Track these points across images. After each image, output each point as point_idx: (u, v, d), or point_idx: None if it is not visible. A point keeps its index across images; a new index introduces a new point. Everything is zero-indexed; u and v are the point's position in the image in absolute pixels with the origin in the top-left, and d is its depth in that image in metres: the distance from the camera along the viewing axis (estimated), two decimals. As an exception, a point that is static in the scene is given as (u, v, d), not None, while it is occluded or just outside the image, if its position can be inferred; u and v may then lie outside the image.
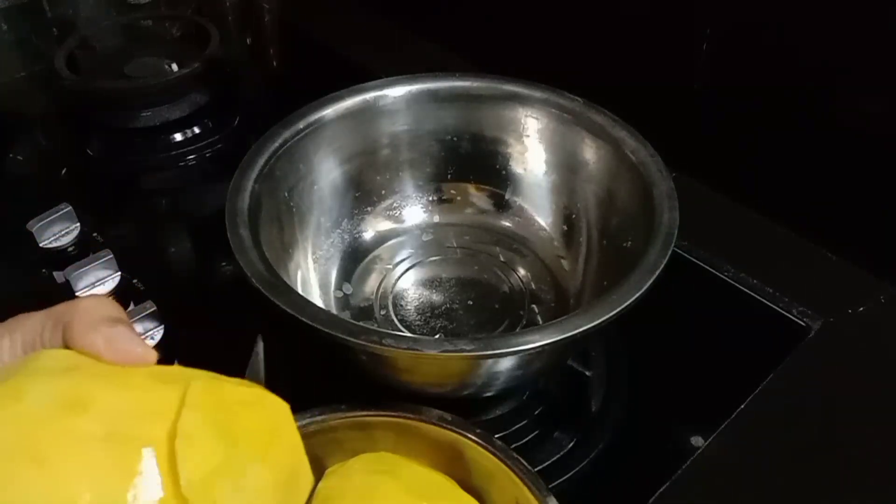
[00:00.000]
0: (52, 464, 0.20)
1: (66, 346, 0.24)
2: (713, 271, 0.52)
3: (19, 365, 0.23)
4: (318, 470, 0.35)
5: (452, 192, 0.55)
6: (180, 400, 0.22)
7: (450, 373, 0.40)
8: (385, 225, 0.54)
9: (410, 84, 0.51)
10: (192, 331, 0.48)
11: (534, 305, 0.50)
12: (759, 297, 0.50)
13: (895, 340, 0.48)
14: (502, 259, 0.53)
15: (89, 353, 0.24)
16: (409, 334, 0.46)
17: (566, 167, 0.51)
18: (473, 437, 0.34)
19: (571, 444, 0.43)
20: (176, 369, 0.25)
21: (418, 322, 0.49)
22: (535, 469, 0.34)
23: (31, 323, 0.25)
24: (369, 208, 0.54)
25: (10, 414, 0.21)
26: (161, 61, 0.69)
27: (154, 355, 0.25)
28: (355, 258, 0.52)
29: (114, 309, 0.26)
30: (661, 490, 0.40)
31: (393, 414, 0.36)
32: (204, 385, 0.23)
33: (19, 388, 0.21)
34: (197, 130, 0.67)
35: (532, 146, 0.52)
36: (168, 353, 0.46)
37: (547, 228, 0.53)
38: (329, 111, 0.49)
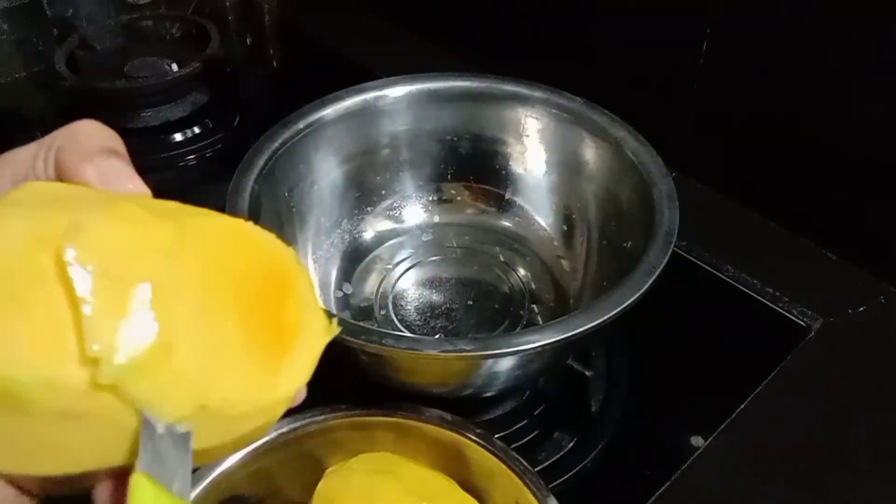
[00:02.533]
0: (30, 304, 0.18)
1: (58, 177, 0.22)
2: (713, 271, 0.52)
3: (0, 197, 0.20)
4: (318, 470, 0.36)
5: (452, 192, 0.55)
6: (172, 238, 0.20)
7: (450, 373, 0.40)
8: (385, 225, 0.54)
9: (410, 84, 0.51)
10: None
11: (534, 305, 0.50)
12: (759, 297, 0.50)
13: (895, 340, 0.48)
14: (502, 259, 0.53)
15: (80, 184, 0.21)
16: (409, 334, 0.46)
17: (566, 167, 0.51)
18: (473, 437, 0.34)
19: (571, 444, 0.43)
20: (172, 204, 0.22)
21: (418, 322, 0.49)
22: (535, 469, 0.34)
23: (23, 154, 0.23)
24: (369, 208, 0.54)
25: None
26: (161, 61, 0.69)
27: (148, 191, 0.23)
28: (355, 258, 0.52)
29: (111, 138, 0.23)
30: (661, 490, 0.40)
31: (393, 414, 0.36)
32: (201, 222, 0.22)
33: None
34: (197, 130, 0.67)
35: (532, 146, 0.52)
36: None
37: (547, 228, 0.53)
38: (329, 111, 0.49)
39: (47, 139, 0.22)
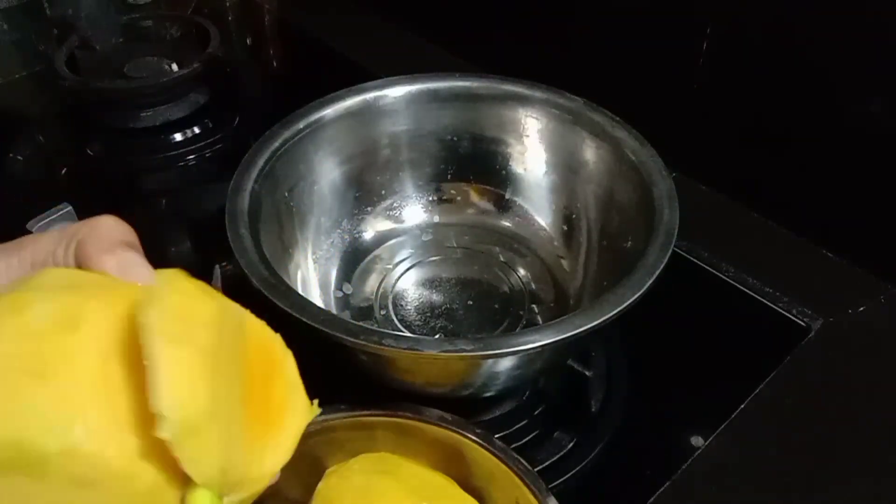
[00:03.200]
0: (54, 378, 0.19)
1: (79, 266, 0.24)
2: (713, 271, 0.52)
3: (24, 279, 0.23)
4: (318, 470, 0.36)
5: (452, 192, 0.55)
6: (216, 314, 0.23)
7: (450, 373, 0.40)
8: (385, 225, 0.54)
9: (410, 84, 0.51)
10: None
11: (534, 305, 0.50)
12: (759, 297, 0.50)
13: (895, 340, 0.48)
14: (502, 259, 0.53)
15: (96, 273, 0.24)
16: (409, 334, 0.46)
17: (566, 167, 0.51)
18: (473, 437, 0.34)
19: (571, 444, 0.43)
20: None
21: (418, 322, 0.49)
22: (535, 469, 0.34)
23: (44, 241, 0.25)
24: (369, 208, 0.54)
25: (11, 327, 0.20)
26: (161, 61, 0.69)
27: (154, 279, 0.25)
28: (355, 258, 0.52)
29: (127, 232, 0.26)
30: (661, 490, 0.40)
31: (393, 414, 0.36)
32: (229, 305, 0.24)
33: (21, 301, 0.21)
34: (197, 130, 0.67)
35: (532, 146, 0.52)
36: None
37: (547, 228, 0.53)
38: (329, 111, 0.49)
39: (69, 230, 0.25)
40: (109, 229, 0.25)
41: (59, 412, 0.19)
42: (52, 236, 0.25)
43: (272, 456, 0.24)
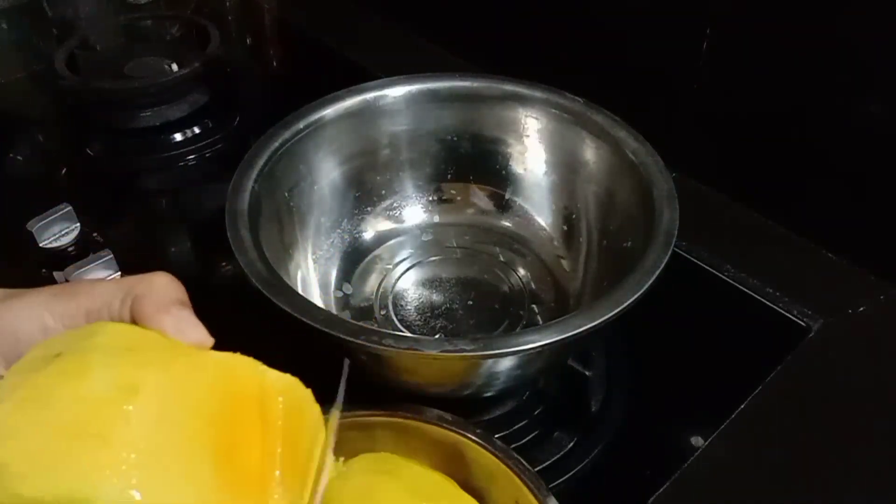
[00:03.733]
0: (112, 440, 0.20)
1: (133, 320, 0.25)
2: (713, 271, 0.52)
3: (83, 334, 0.24)
4: (318, 470, 0.36)
5: (452, 192, 0.55)
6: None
7: (450, 373, 0.40)
8: (385, 225, 0.54)
9: (410, 84, 0.51)
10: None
11: (534, 305, 0.50)
12: (759, 297, 0.50)
13: (895, 340, 0.48)
14: (502, 259, 0.53)
15: (152, 330, 0.25)
16: (409, 334, 0.46)
17: (566, 167, 0.51)
18: (473, 437, 0.34)
19: (571, 444, 0.43)
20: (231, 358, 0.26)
21: (418, 322, 0.49)
22: (535, 469, 0.34)
23: (100, 291, 0.26)
24: (369, 208, 0.54)
25: (74, 390, 0.21)
26: (161, 61, 0.69)
27: (211, 342, 0.26)
28: (355, 258, 0.52)
29: (181, 290, 0.27)
30: (661, 490, 0.40)
31: (393, 414, 0.36)
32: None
33: (84, 365, 0.22)
34: (197, 130, 0.67)
35: (532, 146, 0.52)
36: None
37: (547, 228, 0.53)
38: (329, 111, 0.49)
39: (125, 284, 0.26)
40: (165, 287, 0.26)
41: (116, 473, 0.20)
42: (107, 287, 0.26)
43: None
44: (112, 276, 0.50)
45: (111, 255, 0.49)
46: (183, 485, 0.21)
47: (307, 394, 0.27)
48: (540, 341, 0.35)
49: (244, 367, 0.25)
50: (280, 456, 0.24)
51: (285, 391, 0.26)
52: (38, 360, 0.23)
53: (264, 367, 0.26)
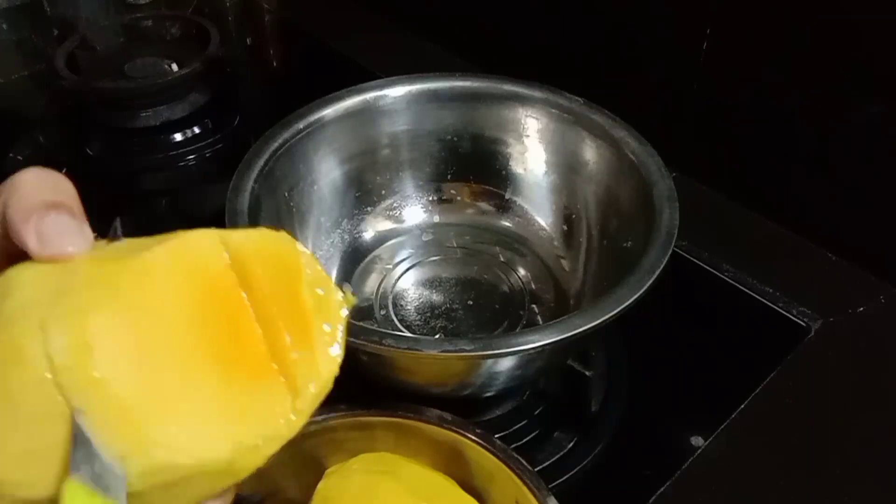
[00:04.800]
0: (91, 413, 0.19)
1: (9, 236, 0.21)
2: (713, 271, 0.52)
3: None
4: (318, 470, 0.36)
5: (452, 192, 0.55)
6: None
7: (450, 373, 0.40)
8: (385, 225, 0.54)
9: (410, 84, 0.51)
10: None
11: (534, 305, 0.50)
12: (759, 297, 0.50)
13: (895, 340, 0.48)
14: (502, 259, 0.53)
15: (29, 252, 0.21)
16: (409, 334, 0.46)
17: (566, 167, 0.51)
18: (473, 437, 0.34)
19: (571, 444, 0.43)
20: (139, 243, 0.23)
21: (418, 322, 0.49)
22: (535, 469, 0.34)
23: None
24: (369, 208, 0.54)
25: (20, 378, 0.19)
26: (161, 61, 0.69)
27: (89, 243, 0.21)
28: (355, 258, 0.52)
29: (53, 187, 0.22)
30: (661, 490, 0.40)
31: (393, 414, 0.35)
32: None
33: (13, 341, 0.20)
34: (197, 130, 0.67)
35: (532, 146, 0.52)
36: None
37: (547, 228, 0.53)
38: (329, 111, 0.49)
39: None
40: (30, 189, 0.21)
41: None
42: None
43: (324, 354, 0.22)
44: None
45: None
46: (196, 403, 0.20)
47: (281, 238, 0.23)
48: (540, 341, 0.35)
49: (202, 241, 0.22)
50: (282, 320, 0.22)
51: (257, 248, 0.23)
52: None
53: (224, 232, 0.22)
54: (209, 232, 0.22)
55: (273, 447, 0.21)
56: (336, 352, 0.23)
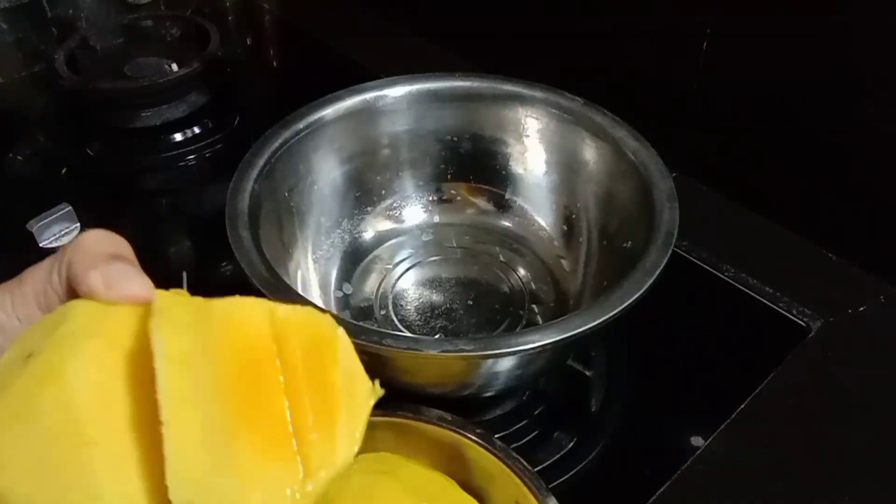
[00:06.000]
0: (103, 444, 0.20)
1: (70, 288, 0.23)
2: (713, 271, 0.52)
3: (49, 326, 0.22)
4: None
5: (452, 192, 0.55)
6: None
7: (450, 373, 0.40)
8: (385, 225, 0.54)
9: (410, 84, 0.51)
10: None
11: (534, 305, 0.50)
12: (759, 297, 0.50)
13: (895, 340, 0.48)
14: (502, 259, 0.53)
15: (93, 294, 0.22)
16: (409, 334, 0.46)
17: (566, 167, 0.51)
18: (473, 437, 0.34)
19: (571, 444, 0.43)
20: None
21: (418, 322, 0.49)
22: (535, 469, 0.34)
23: (40, 271, 0.24)
24: (369, 208, 0.54)
25: (54, 396, 0.20)
26: (161, 61, 0.69)
27: (152, 293, 0.23)
28: (355, 258, 0.52)
29: (117, 245, 0.24)
30: (661, 490, 0.40)
31: (393, 414, 0.35)
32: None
33: (55, 362, 0.20)
34: (197, 130, 0.67)
35: (532, 146, 0.52)
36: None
37: (547, 228, 0.53)
38: (329, 111, 0.49)
39: (60, 253, 0.24)
40: (95, 244, 0.24)
41: (115, 477, 0.20)
42: (46, 264, 0.24)
43: (343, 442, 0.23)
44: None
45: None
46: (212, 462, 0.20)
47: (325, 319, 0.24)
48: (540, 341, 0.35)
49: (250, 309, 0.23)
50: (309, 398, 0.22)
51: (300, 325, 0.23)
52: (12, 362, 0.21)
53: (272, 304, 0.23)
54: (261, 301, 0.23)
55: None
56: (355, 440, 0.23)
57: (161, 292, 0.22)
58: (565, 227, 0.52)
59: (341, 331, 0.24)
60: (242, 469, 0.21)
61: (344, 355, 0.24)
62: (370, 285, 0.51)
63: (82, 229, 0.54)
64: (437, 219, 0.55)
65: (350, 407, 0.23)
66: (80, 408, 0.20)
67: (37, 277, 0.24)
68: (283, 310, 0.23)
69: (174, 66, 0.68)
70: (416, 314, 0.49)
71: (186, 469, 0.19)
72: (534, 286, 0.51)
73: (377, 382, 0.25)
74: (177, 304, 0.22)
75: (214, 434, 0.20)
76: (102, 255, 0.23)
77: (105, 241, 0.24)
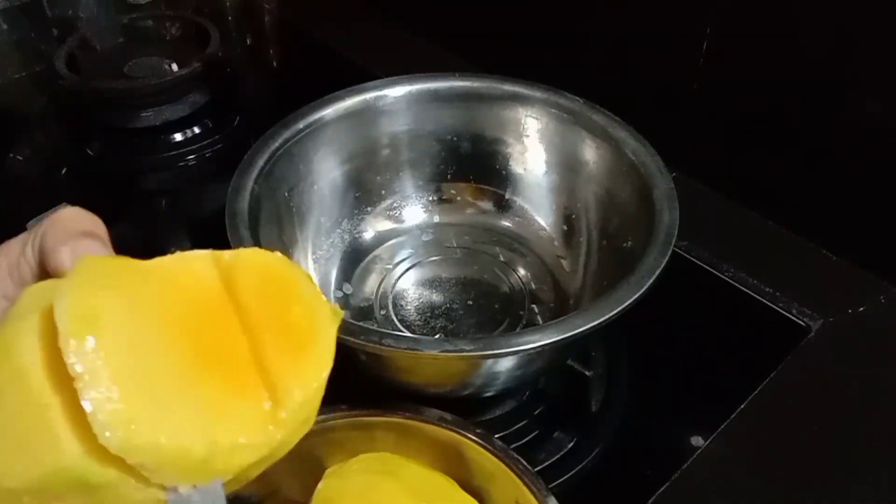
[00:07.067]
0: (58, 406, 0.19)
1: (42, 260, 0.24)
2: (713, 271, 0.52)
3: (22, 303, 0.22)
4: (318, 470, 0.36)
5: (452, 192, 0.55)
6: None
7: (450, 373, 0.40)
8: (385, 225, 0.54)
9: (410, 84, 0.51)
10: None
11: (534, 305, 0.50)
12: (759, 297, 0.50)
13: (895, 340, 0.48)
14: (502, 259, 0.53)
15: (60, 267, 0.23)
16: (409, 334, 0.46)
17: (566, 167, 0.51)
18: (473, 437, 0.34)
19: (571, 444, 0.43)
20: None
21: (418, 322, 0.49)
22: (535, 469, 0.34)
23: (15, 244, 0.25)
24: (369, 208, 0.54)
25: (9, 371, 0.20)
26: (161, 61, 0.69)
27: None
28: (355, 258, 0.52)
29: (91, 222, 0.25)
30: (661, 490, 0.40)
31: (393, 414, 0.35)
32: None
33: (7, 336, 0.20)
34: (197, 130, 0.67)
35: (532, 146, 0.52)
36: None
37: (547, 228, 0.53)
38: (329, 111, 0.49)
39: (35, 228, 0.24)
40: (70, 220, 0.24)
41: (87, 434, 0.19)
42: (20, 238, 0.25)
43: (311, 366, 0.23)
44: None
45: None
46: (175, 397, 0.20)
47: (272, 255, 0.24)
48: (540, 341, 0.35)
49: (196, 260, 0.23)
50: (269, 333, 0.22)
51: (248, 265, 0.23)
52: None
53: (216, 252, 0.24)
54: (203, 252, 0.24)
55: (251, 455, 0.21)
56: (323, 363, 0.23)
57: (86, 256, 0.22)
58: (565, 227, 0.52)
59: (292, 262, 0.24)
60: (202, 408, 0.21)
61: (299, 284, 0.24)
62: (370, 285, 0.51)
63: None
64: (437, 219, 0.55)
65: (312, 333, 0.23)
66: (33, 377, 0.20)
67: (11, 250, 0.25)
68: (228, 254, 0.24)
69: (174, 66, 0.68)
70: (416, 314, 0.49)
71: (117, 417, 0.19)
72: (534, 286, 0.51)
73: (336, 305, 0.25)
74: (97, 265, 0.22)
75: (161, 381, 0.20)
76: (75, 232, 0.24)
77: (79, 218, 0.25)
